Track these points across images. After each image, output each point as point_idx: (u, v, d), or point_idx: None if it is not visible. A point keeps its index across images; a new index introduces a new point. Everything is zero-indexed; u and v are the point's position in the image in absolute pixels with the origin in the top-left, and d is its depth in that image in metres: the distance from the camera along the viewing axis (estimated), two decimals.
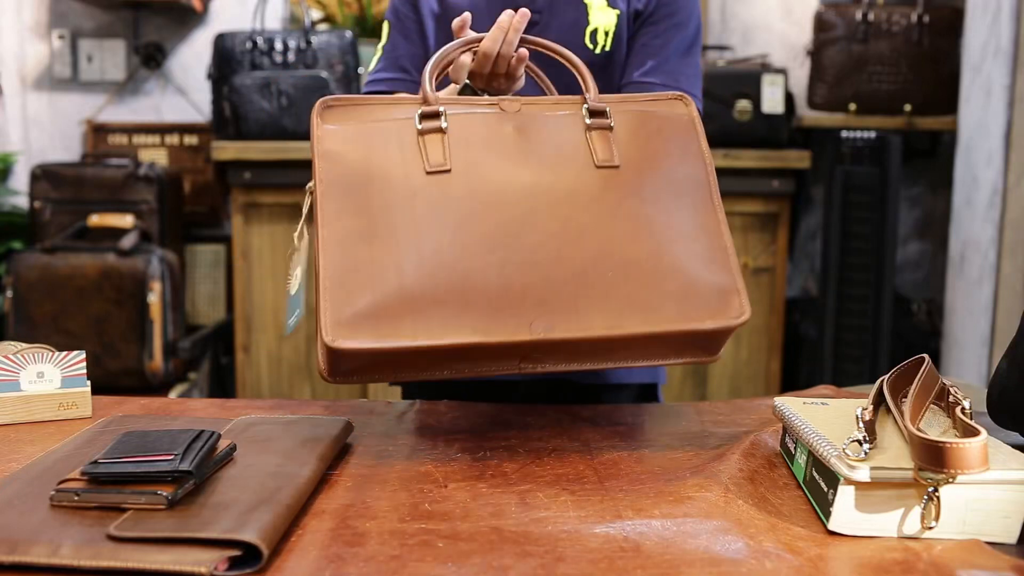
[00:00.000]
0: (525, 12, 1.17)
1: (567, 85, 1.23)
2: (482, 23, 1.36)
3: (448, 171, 1.00)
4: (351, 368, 0.94)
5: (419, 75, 1.39)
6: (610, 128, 1.07)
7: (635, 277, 0.97)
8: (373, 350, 0.90)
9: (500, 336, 0.92)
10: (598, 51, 1.37)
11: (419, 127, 1.03)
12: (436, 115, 1.04)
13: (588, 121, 1.07)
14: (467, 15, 1.20)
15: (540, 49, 1.17)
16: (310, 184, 1.00)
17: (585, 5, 1.36)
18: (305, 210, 1.03)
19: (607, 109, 1.08)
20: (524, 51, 1.17)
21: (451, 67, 1.17)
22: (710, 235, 1.02)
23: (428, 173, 1.00)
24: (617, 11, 1.37)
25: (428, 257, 0.95)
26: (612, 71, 1.39)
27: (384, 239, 0.95)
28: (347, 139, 1.01)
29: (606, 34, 1.37)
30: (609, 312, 0.95)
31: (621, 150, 1.06)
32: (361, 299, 0.92)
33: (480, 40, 1.17)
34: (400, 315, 0.92)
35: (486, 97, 1.14)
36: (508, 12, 1.17)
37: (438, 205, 0.98)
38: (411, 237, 0.96)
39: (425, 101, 1.05)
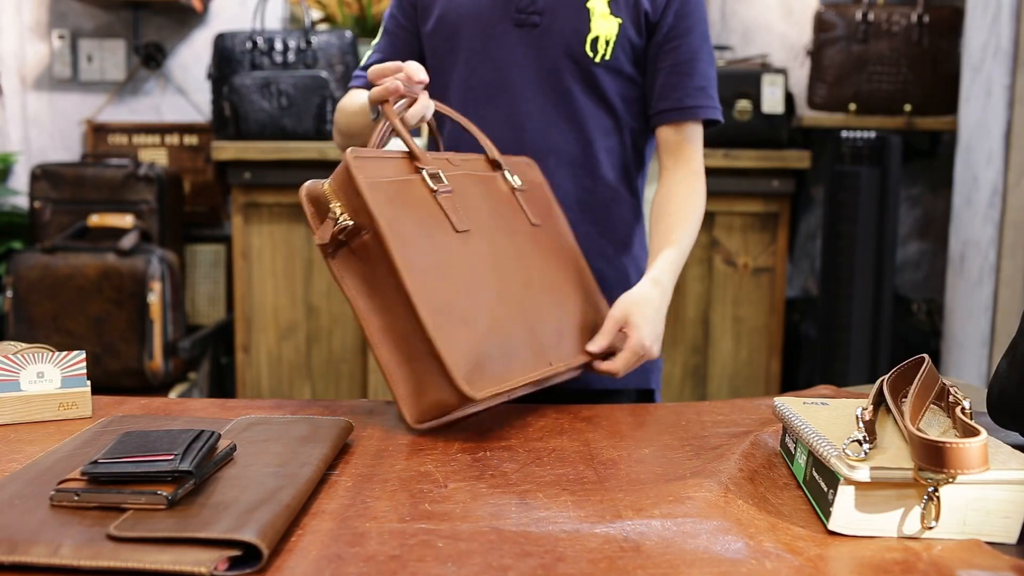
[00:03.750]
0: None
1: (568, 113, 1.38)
2: (481, 26, 1.36)
3: (468, 231, 1.11)
4: (447, 412, 1.03)
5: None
6: (524, 191, 1.27)
7: (581, 312, 1.24)
8: (497, 394, 1.03)
9: (548, 371, 1.12)
10: (598, 60, 1.35)
11: (432, 187, 1.10)
12: (437, 176, 1.12)
13: (514, 185, 1.25)
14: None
15: (448, 114, 1.27)
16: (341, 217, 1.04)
17: (588, 11, 1.34)
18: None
19: (514, 177, 1.26)
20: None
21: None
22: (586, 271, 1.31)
23: (457, 232, 1.10)
24: (619, 20, 1.35)
25: (490, 313, 1.08)
26: (613, 81, 1.38)
27: (457, 294, 1.05)
28: (390, 198, 1.05)
29: (607, 43, 1.35)
30: (584, 337, 1.21)
31: (531, 211, 1.26)
32: (466, 356, 1.01)
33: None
34: (488, 365, 1.03)
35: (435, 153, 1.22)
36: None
37: (472, 263, 1.09)
38: (470, 296, 1.07)
39: (415, 158, 1.12)
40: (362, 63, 1.49)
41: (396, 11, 1.45)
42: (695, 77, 1.39)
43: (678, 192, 1.38)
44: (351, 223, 1.01)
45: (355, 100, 1.40)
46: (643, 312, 1.22)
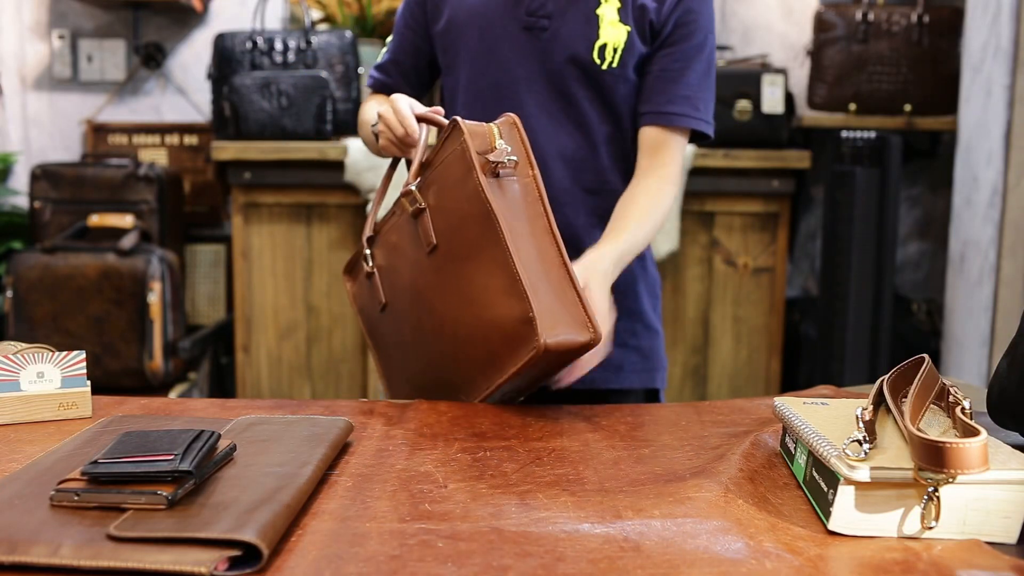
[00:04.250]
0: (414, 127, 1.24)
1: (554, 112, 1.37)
2: (489, 28, 1.36)
3: (384, 305, 1.28)
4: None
5: (397, 79, 1.48)
6: (424, 210, 1.18)
7: (470, 346, 1.14)
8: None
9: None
10: (605, 67, 1.34)
11: (366, 269, 1.32)
12: (365, 257, 1.31)
13: (410, 209, 1.20)
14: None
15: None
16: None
17: (597, 17, 1.34)
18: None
19: (413, 190, 1.20)
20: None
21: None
22: (505, 272, 1.10)
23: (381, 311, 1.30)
24: (628, 28, 1.34)
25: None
26: (619, 89, 1.37)
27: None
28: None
29: (614, 51, 1.34)
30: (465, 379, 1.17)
31: (435, 227, 1.17)
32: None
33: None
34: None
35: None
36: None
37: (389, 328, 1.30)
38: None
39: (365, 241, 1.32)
40: (378, 60, 1.51)
41: (405, 11, 1.47)
42: (681, 85, 1.36)
43: (644, 194, 1.35)
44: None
45: (369, 116, 1.41)
46: (593, 277, 1.20)
